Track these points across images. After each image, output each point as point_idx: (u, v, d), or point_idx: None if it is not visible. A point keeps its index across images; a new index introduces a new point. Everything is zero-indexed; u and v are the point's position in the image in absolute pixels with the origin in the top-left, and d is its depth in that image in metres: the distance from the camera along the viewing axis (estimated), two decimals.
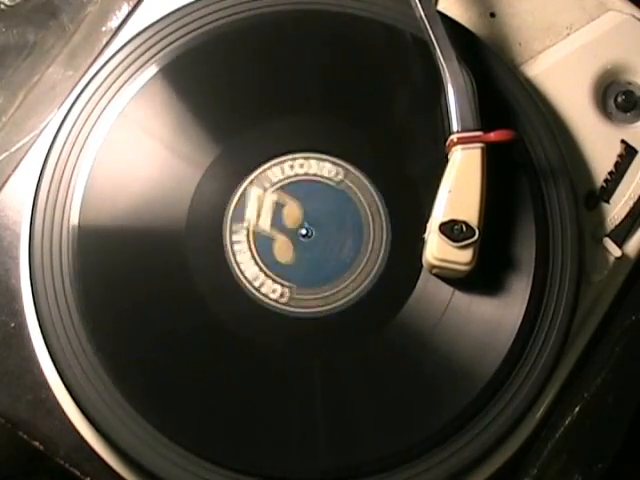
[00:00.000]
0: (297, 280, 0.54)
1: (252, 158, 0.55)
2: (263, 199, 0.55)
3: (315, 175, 0.55)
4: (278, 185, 0.55)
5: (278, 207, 0.55)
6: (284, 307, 0.53)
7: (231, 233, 0.54)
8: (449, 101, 0.54)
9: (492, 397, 0.53)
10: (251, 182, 0.55)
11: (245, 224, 0.54)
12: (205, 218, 0.54)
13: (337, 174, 0.55)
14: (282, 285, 0.54)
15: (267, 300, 0.53)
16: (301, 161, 0.55)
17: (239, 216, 0.54)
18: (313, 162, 0.55)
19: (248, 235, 0.54)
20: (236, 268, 0.54)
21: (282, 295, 0.54)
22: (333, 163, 0.55)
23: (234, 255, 0.54)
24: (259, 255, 0.54)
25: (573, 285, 0.54)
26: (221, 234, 0.54)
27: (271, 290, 0.54)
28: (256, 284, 0.54)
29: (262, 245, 0.54)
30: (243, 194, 0.55)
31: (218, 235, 0.54)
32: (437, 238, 0.52)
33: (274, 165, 0.55)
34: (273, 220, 0.55)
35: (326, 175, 0.55)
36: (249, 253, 0.54)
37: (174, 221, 0.54)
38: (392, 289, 0.54)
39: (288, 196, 0.55)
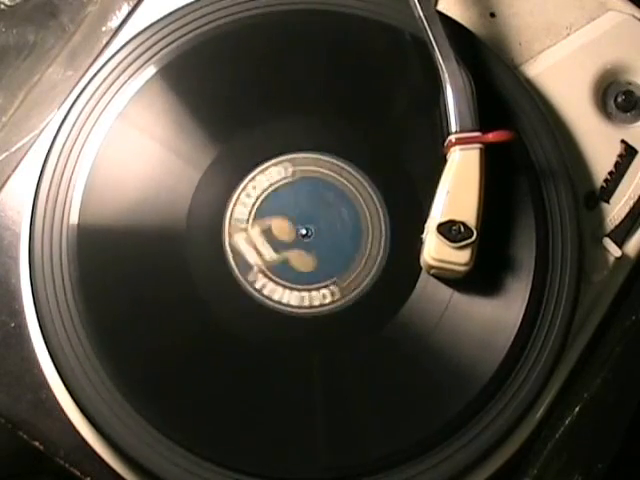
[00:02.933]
0: (332, 273, 0.54)
1: (251, 158, 0.55)
2: (250, 239, 0.54)
3: (320, 178, 0.55)
4: (251, 218, 0.55)
5: (267, 233, 0.55)
6: (284, 307, 0.53)
7: (231, 233, 0.54)
8: (448, 101, 0.54)
9: (492, 397, 0.53)
10: (249, 181, 0.55)
11: (256, 269, 0.54)
12: (205, 218, 0.54)
13: (332, 171, 0.55)
14: (282, 285, 0.54)
15: (267, 300, 0.53)
16: (296, 163, 0.55)
17: (244, 264, 0.54)
18: (309, 161, 0.56)
19: (266, 274, 0.54)
20: (236, 268, 0.54)
21: (329, 298, 0.54)
22: (333, 163, 0.55)
23: (234, 254, 0.54)
24: (284, 280, 0.54)
25: (573, 285, 0.54)
26: (221, 234, 0.54)
27: (272, 290, 0.54)
28: (256, 285, 0.54)
29: (282, 271, 0.54)
30: (234, 245, 0.54)
31: (218, 235, 0.54)
32: (435, 238, 0.52)
33: (272, 166, 0.55)
34: (273, 246, 0.54)
35: (324, 171, 0.55)
36: (267, 279, 0.54)
37: (174, 221, 0.54)
38: (392, 289, 0.54)
39: (266, 218, 0.55)
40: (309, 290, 0.54)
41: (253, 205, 0.55)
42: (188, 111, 0.56)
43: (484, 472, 0.54)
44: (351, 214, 0.55)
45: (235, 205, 0.55)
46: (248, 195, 0.55)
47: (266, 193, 0.55)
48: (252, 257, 0.54)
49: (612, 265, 0.57)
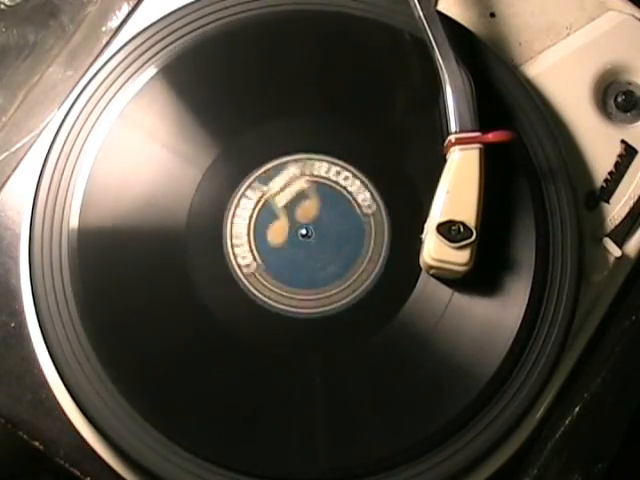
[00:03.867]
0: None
1: (252, 158, 0.55)
2: (295, 180, 0.54)
3: (334, 181, 0.56)
4: (314, 179, 0.55)
5: (301, 197, 0.55)
6: (284, 307, 0.53)
7: (231, 233, 0.54)
8: (447, 102, 0.54)
9: (492, 397, 0.53)
10: (255, 179, 0.55)
11: (265, 188, 0.54)
12: (205, 219, 0.54)
13: (338, 174, 0.56)
14: (253, 257, 0.54)
15: (267, 300, 0.53)
16: (296, 163, 0.56)
17: (244, 264, 0.54)
18: (314, 162, 0.56)
19: (258, 200, 0.54)
20: (237, 268, 0.54)
21: (247, 261, 0.53)
22: (333, 163, 0.55)
23: (234, 255, 0.54)
24: (255, 225, 0.54)
25: (573, 285, 0.54)
26: (221, 235, 0.54)
27: (242, 256, 0.53)
28: (257, 286, 0.54)
29: (263, 219, 0.54)
30: (284, 165, 0.54)
31: (218, 235, 0.54)
32: (434, 238, 0.52)
33: (276, 165, 0.55)
34: (289, 202, 0.55)
35: (326, 173, 0.56)
36: (247, 243, 0.54)
37: (174, 221, 0.54)
38: (392, 289, 0.54)
39: (316, 194, 0.55)
40: (310, 291, 0.54)
41: (255, 205, 0.55)
42: (188, 111, 0.56)
43: (484, 472, 0.54)
44: (351, 215, 0.55)
45: (236, 206, 0.55)
46: (248, 195, 0.55)
47: (266, 193, 0.55)
48: (276, 185, 0.54)
49: (612, 265, 0.57)
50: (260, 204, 0.55)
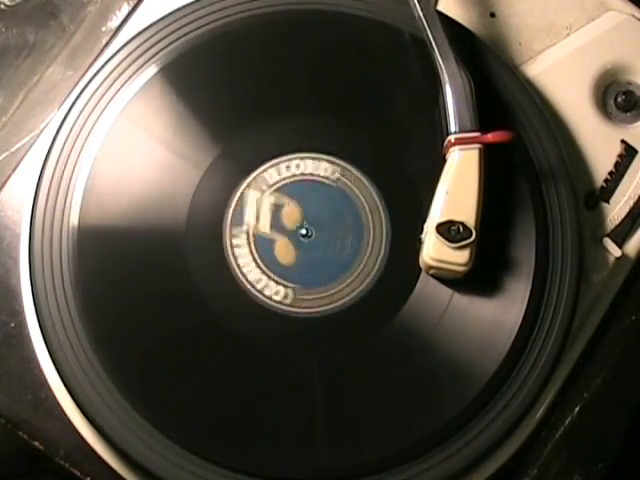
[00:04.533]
0: (297, 280, 0.54)
1: (252, 158, 0.55)
2: (261, 202, 0.55)
3: (313, 175, 0.55)
4: (275, 187, 0.55)
5: (277, 208, 0.55)
6: (284, 307, 0.53)
7: (231, 234, 0.54)
8: (447, 102, 0.54)
9: (492, 397, 0.53)
10: (249, 185, 0.55)
11: (244, 227, 0.54)
12: (205, 218, 0.54)
13: (334, 172, 0.55)
14: (283, 286, 0.54)
15: (267, 300, 0.53)
16: (298, 161, 0.55)
17: (238, 219, 0.54)
18: (312, 162, 0.56)
19: (248, 238, 0.54)
20: (236, 269, 0.54)
21: (281, 295, 0.54)
22: (332, 163, 0.56)
23: (234, 256, 0.54)
24: (260, 257, 0.54)
25: (573, 285, 0.54)
26: (221, 234, 0.54)
27: (272, 290, 0.54)
28: (258, 286, 0.54)
29: (263, 247, 0.54)
30: (242, 195, 0.55)
31: (218, 235, 0.54)
32: (434, 239, 0.52)
33: (274, 165, 0.55)
34: (272, 222, 0.55)
35: (324, 174, 0.55)
36: (249, 255, 0.54)
37: (174, 221, 0.54)
38: (392, 289, 0.54)
39: (286, 197, 0.55)
40: (270, 278, 0.54)
41: (285, 178, 0.55)
42: (188, 111, 0.56)
43: (484, 472, 0.54)
44: (351, 214, 0.55)
45: (235, 206, 0.55)
46: (247, 196, 0.55)
47: (266, 193, 0.55)
48: (250, 216, 0.54)
49: (612, 265, 0.57)
50: (252, 241, 0.54)
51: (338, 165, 0.55)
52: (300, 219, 0.55)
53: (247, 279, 0.54)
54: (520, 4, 0.61)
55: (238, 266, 0.54)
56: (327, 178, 0.55)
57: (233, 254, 0.54)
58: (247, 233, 0.54)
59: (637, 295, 0.58)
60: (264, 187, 0.55)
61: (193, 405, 0.52)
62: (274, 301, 0.53)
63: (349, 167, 0.56)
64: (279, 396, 0.52)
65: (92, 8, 0.64)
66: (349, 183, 0.55)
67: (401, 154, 0.56)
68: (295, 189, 0.55)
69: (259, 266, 0.54)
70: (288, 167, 0.55)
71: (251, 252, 0.54)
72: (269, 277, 0.54)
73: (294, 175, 0.55)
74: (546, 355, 0.53)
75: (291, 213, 0.55)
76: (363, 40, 0.57)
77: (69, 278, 0.53)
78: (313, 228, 0.55)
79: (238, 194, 0.55)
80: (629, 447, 0.56)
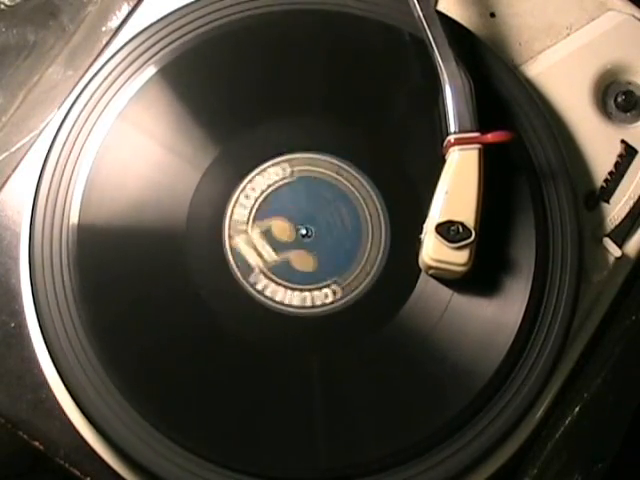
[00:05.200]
0: (298, 279, 0.54)
1: (252, 158, 0.55)
2: (252, 240, 0.54)
3: (319, 178, 0.56)
4: (251, 220, 0.55)
5: (268, 235, 0.55)
6: (283, 307, 0.53)
7: (231, 233, 0.54)
8: (446, 102, 0.54)
9: (492, 397, 0.53)
10: (231, 236, 0.54)
11: (257, 270, 0.54)
12: (205, 218, 0.54)
13: (332, 171, 0.56)
14: (284, 286, 0.54)
15: (266, 300, 0.53)
16: (296, 163, 0.55)
17: (246, 269, 0.54)
18: (309, 161, 0.56)
19: (267, 276, 0.54)
20: (236, 268, 0.54)
21: (283, 294, 0.54)
22: (332, 163, 0.56)
23: (234, 255, 0.54)
24: (287, 281, 0.54)
25: (573, 285, 0.54)
26: (221, 235, 0.54)
27: (273, 291, 0.54)
28: (258, 286, 0.54)
29: (283, 271, 0.54)
30: (235, 251, 0.54)
31: (218, 236, 0.54)
32: (433, 239, 0.52)
33: (274, 165, 0.55)
34: (273, 247, 0.54)
35: (324, 171, 0.56)
36: (251, 251, 0.54)
37: (174, 221, 0.54)
38: (392, 289, 0.54)
39: (266, 220, 0.55)
40: (311, 290, 0.54)
41: (252, 206, 0.55)
42: (188, 111, 0.56)
43: (484, 472, 0.54)
44: (351, 214, 0.55)
45: (235, 206, 0.55)
46: (247, 196, 0.55)
47: (266, 194, 0.55)
48: (253, 259, 0.54)
49: (612, 265, 0.57)
50: (273, 276, 0.54)
51: (337, 165, 0.55)
52: (292, 226, 0.55)
53: (248, 280, 0.54)
54: (520, 4, 0.61)
55: (238, 266, 0.54)
56: (327, 175, 0.55)
57: (233, 254, 0.54)
58: (264, 273, 0.54)
59: (637, 295, 0.58)
60: (243, 228, 0.54)
61: (193, 405, 0.52)
62: (274, 301, 0.53)
63: (348, 167, 0.55)
64: (279, 396, 0.52)
65: (92, 8, 0.64)
66: (348, 184, 0.55)
67: (401, 154, 0.56)
68: (268, 206, 0.55)
69: (286, 287, 0.54)
70: (253, 189, 0.55)
71: (273, 280, 0.54)
72: (266, 275, 0.54)
73: (328, 178, 0.55)
74: (546, 355, 0.53)
75: (280, 228, 0.55)
76: (363, 40, 0.57)
77: (69, 278, 0.53)
78: (308, 225, 0.55)
79: (239, 193, 0.55)
80: (629, 447, 0.56)
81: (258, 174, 0.55)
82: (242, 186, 0.55)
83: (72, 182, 0.54)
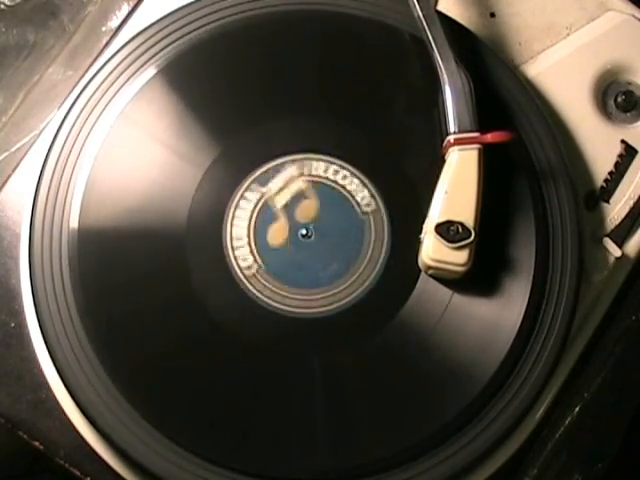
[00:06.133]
0: (296, 281, 0.54)
1: (252, 158, 0.55)
2: (293, 181, 0.54)
3: (319, 178, 0.56)
4: (251, 218, 0.55)
5: (299, 196, 0.55)
6: (284, 307, 0.53)
7: (231, 234, 0.54)
8: (446, 102, 0.54)
9: (492, 397, 0.53)
10: (255, 180, 0.55)
11: (264, 189, 0.54)
12: (206, 219, 0.54)
13: (331, 171, 0.56)
14: (282, 287, 0.54)
15: (267, 300, 0.53)
16: (296, 163, 0.56)
17: (263, 180, 0.54)
18: (313, 162, 0.56)
19: (258, 202, 0.54)
20: (237, 269, 0.54)
21: (281, 296, 0.54)
22: (332, 163, 0.56)
23: (235, 257, 0.54)
24: (255, 228, 0.54)
25: (573, 285, 0.54)
26: (221, 235, 0.54)
27: (273, 292, 0.54)
28: (258, 287, 0.54)
29: (263, 220, 0.54)
30: (280, 164, 0.54)
31: (218, 236, 0.54)
32: (433, 239, 0.52)
33: (275, 165, 0.55)
34: (288, 203, 0.54)
35: (323, 171, 0.56)
36: (250, 255, 0.54)
37: (175, 221, 0.54)
38: (392, 289, 0.54)
39: (314, 193, 0.55)
40: (310, 291, 0.54)
41: (253, 207, 0.55)
42: (188, 111, 0.56)
43: (484, 472, 0.54)
44: (351, 214, 0.55)
45: (236, 207, 0.55)
46: (247, 197, 0.55)
47: (265, 195, 0.55)
48: (275, 185, 0.54)
49: (612, 265, 0.57)
50: (259, 205, 0.55)
51: (337, 165, 0.55)
52: (311, 219, 0.55)
53: (249, 281, 0.54)
54: (520, 4, 0.61)
55: (239, 267, 0.54)
56: (344, 188, 0.55)
57: (234, 254, 0.54)
58: (261, 196, 0.54)
59: (637, 295, 0.58)
60: (243, 229, 0.55)
61: (193, 405, 0.52)
62: (274, 301, 0.53)
63: (348, 167, 0.55)
64: (280, 396, 0.52)
65: (92, 8, 0.64)
66: (347, 183, 0.55)
67: (401, 154, 0.56)
68: (267, 208, 0.55)
69: (248, 234, 0.54)
70: (253, 190, 0.55)
71: (250, 219, 0.54)
72: (249, 244, 0.54)
73: (327, 178, 0.55)
74: (546, 355, 0.53)
75: (308, 209, 0.55)
76: (363, 40, 0.57)
77: (69, 278, 0.53)
78: (315, 234, 0.55)
79: (239, 193, 0.55)
80: (629, 447, 0.56)
81: (258, 174, 0.55)
82: (242, 186, 0.55)
83: (72, 182, 0.54)
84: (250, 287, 0.54)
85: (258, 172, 0.55)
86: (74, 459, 0.54)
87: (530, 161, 0.56)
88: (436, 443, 0.52)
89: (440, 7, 0.59)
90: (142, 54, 0.56)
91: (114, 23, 0.62)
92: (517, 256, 0.54)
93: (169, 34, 0.57)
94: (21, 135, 0.61)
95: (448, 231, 0.52)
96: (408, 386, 0.53)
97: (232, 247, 0.54)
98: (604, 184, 0.58)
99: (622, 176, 0.58)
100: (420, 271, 0.54)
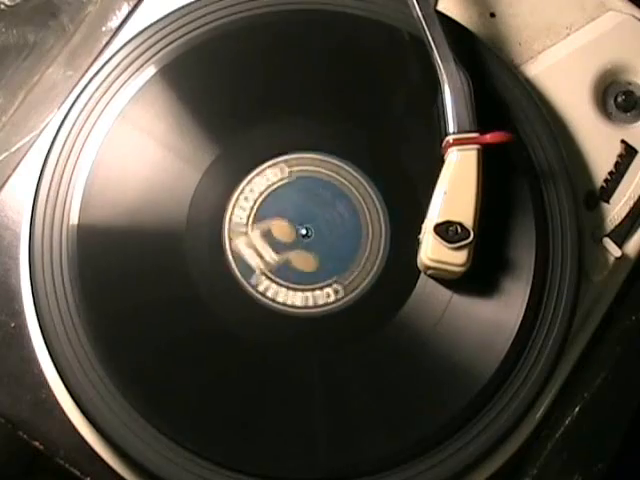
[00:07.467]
0: (296, 279, 0.54)
1: (251, 158, 0.55)
2: (252, 242, 0.54)
3: (319, 178, 0.55)
4: (251, 218, 0.54)
5: (268, 235, 0.54)
6: (284, 307, 0.53)
7: (231, 235, 0.54)
8: (445, 102, 0.54)
9: (492, 397, 0.53)
10: (231, 237, 0.54)
11: (258, 272, 0.54)
12: (205, 219, 0.54)
13: (331, 171, 0.55)
14: (285, 286, 0.54)
15: (267, 300, 0.53)
16: (295, 163, 0.55)
17: (247, 271, 0.54)
18: (308, 161, 0.56)
19: (268, 277, 0.54)
20: (236, 268, 0.54)
21: (284, 295, 0.54)
22: (330, 162, 0.55)
23: (234, 256, 0.54)
24: (289, 282, 0.54)
25: (573, 285, 0.54)
26: (221, 235, 0.54)
27: (271, 290, 0.54)
28: (259, 287, 0.54)
29: (284, 272, 0.54)
30: (235, 253, 0.54)
31: (218, 237, 0.54)
32: (432, 239, 0.52)
33: (273, 166, 0.55)
34: (274, 248, 0.54)
35: (323, 172, 0.55)
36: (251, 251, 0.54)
37: (174, 221, 0.54)
38: (392, 289, 0.54)
39: (266, 221, 0.55)
40: (311, 290, 0.54)
41: (252, 207, 0.55)
42: (188, 111, 0.56)
43: (484, 472, 0.54)
44: (351, 214, 0.55)
45: (235, 207, 0.55)
46: (246, 197, 0.55)
47: (265, 194, 0.55)
48: (253, 260, 0.54)
49: (612, 265, 0.57)
50: (273, 276, 0.54)
51: (337, 165, 0.55)
52: (292, 226, 0.55)
53: (249, 282, 0.54)
54: (520, 4, 0.61)
55: (238, 267, 0.54)
56: (343, 188, 0.55)
57: (233, 254, 0.54)
58: (264, 274, 0.54)
59: (637, 295, 0.58)
60: (242, 229, 0.54)
61: (193, 405, 0.52)
62: (275, 301, 0.53)
63: (347, 167, 0.55)
64: (279, 396, 0.52)
65: (92, 8, 0.64)
66: (347, 183, 0.55)
67: (400, 154, 0.56)
68: (268, 207, 0.55)
69: (288, 288, 0.54)
70: (252, 190, 0.55)
71: (274, 281, 0.54)
72: (266, 276, 0.54)
73: (260, 193, 0.55)
74: (546, 355, 0.53)
75: (281, 229, 0.55)
76: (362, 40, 0.57)
77: (69, 278, 0.53)
78: (308, 225, 0.55)
79: (238, 193, 0.55)
80: (629, 447, 0.56)
81: (258, 174, 0.55)
82: (242, 187, 0.55)
83: (72, 182, 0.54)
84: (250, 287, 0.54)
85: (257, 171, 0.55)
86: (74, 459, 0.54)
87: (530, 161, 0.56)
88: (436, 443, 0.52)
89: (440, 7, 0.59)
90: (142, 54, 0.56)
91: (114, 23, 0.62)
92: (517, 256, 0.54)
93: (169, 34, 0.57)
94: (21, 135, 0.61)
95: (447, 231, 0.52)
96: (408, 386, 0.53)
97: (231, 246, 0.54)
98: (604, 184, 0.58)
99: (622, 176, 0.58)
100: (419, 271, 0.54)
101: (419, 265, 0.54)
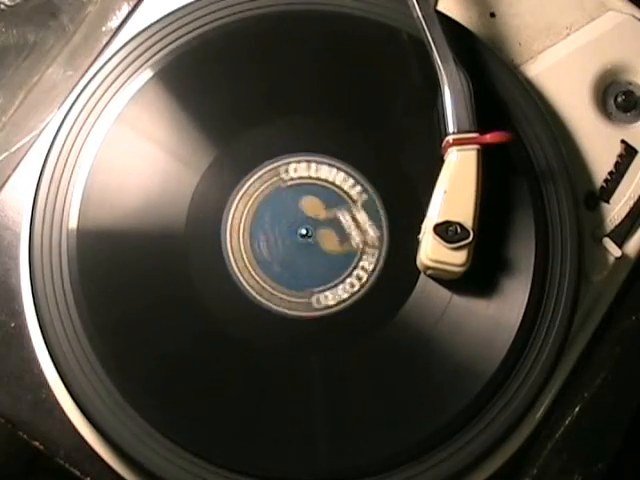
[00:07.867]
0: (296, 282, 0.54)
1: (250, 160, 0.55)
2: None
3: (318, 179, 0.56)
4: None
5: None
6: (284, 308, 0.53)
7: (230, 234, 0.54)
8: (445, 102, 0.54)
9: (492, 397, 0.53)
10: (247, 183, 0.55)
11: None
12: (204, 220, 0.54)
13: (330, 172, 0.55)
14: (283, 287, 0.54)
15: (267, 301, 0.53)
16: (295, 164, 0.55)
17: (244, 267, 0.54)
18: (307, 162, 0.56)
19: (265, 277, 0.54)
20: (236, 270, 0.54)
21: (284, 297, 0.54)
22: (331, 164, 0.55)
23: (234, 257, 0.54)
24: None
25: (573, 285, 0.54)
26: (220, 236, 0.54)
27: (272, 292, 0.54)
28: (257, 287, 0.54)
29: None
30: (242, 196, 0.54)
31: (217, 237, 0.54)
32: (431, 239, 0.52)
33: (273, 168, 0.55)
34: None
35: (322, 172, 0.55)
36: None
37: (174, 222, 0.54)
38: (392, 289, 0.54)
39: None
40: (311, 292, 0.54)
41: (252, 207, 0.55)
42: (187, 113, 0.56)
43: (484, 472, 0.54)
44: (350, 215, 0.55)
45: (234, 208, 0.55)
46: (246, 199, 0.55)
47: (265, 195, 0.55)
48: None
49: (612, 265, 0.57)
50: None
51: (337, 166, 0.55)
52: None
53: (248, 282, 0.54)
54: (520, 4, 0.61)
55: (238, 268, 0.54)
56: (342, 188, 0.55)
57: (233, 256, 0.54)
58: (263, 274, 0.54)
59: (637, 295, 0.58)
60: (242, 230, 0.54)
61: (193, 405, 0.52)
62: (275, 302, 0.53)
63: (347, 168, 0.55)
64: (279, 397, 0.52)
65: (92, 8, 0.64)
66: (346, 184, 0.55)
67: (400, 154, 0.56)
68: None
69: (285, 289, 0.54)
70: (296, 169, 0.55)
71: (271, 282, 0.54)
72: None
73: (326, 179, 0.55)
74: (546, 355, 0.53)
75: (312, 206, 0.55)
76: (362, 40, 0.57)
77: (69, 278, 0.53)
78: (308, 225, 0.55)
79: (239, 195, 0.55)
80: (629, 447, 0.56)
81: (257, 175, 0.55)
82: (241, 188, 0.55)
83: (72, 182, 0.54)
84: (250, 288, 0.54)
85: (257, 173, 0.55)
86: (74, 459, 0.54)
87: (530, 161, 0.56)
88: (436, 443, 0.52)
89: (440, 7, 0.59)
90: (142, 54, 0.56)
91: (114, 23, 0.62)
92: (517, 256, 0.54)
93: (168, 35, 0.57)
94: (21, 135, 0.61)
95: (447, 231, 0.52)
96: (408, 386, 0.53)
97: (231, 247, 0.54)
98: (604, 184, 0.58)
99: (622, 176, 0.58)
100: (420, 271, 0.54)
101: (419, 265, 0.54)
